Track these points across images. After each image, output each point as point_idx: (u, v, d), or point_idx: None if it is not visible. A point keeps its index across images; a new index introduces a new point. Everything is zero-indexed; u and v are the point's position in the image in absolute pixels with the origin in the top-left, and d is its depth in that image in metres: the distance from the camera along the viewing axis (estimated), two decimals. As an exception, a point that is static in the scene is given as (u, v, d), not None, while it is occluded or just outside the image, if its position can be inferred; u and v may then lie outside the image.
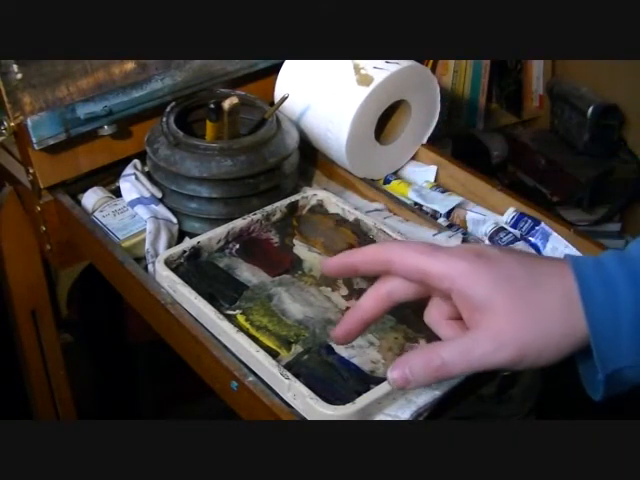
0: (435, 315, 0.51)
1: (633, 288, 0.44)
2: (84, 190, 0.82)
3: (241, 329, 0.64)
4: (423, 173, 0.89)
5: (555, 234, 0.77)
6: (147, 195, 0.78)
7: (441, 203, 0.83)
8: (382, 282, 0.52)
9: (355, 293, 0.69)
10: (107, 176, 0.83)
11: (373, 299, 0.52)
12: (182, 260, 0.71)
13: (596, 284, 0.45)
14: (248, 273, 0.71)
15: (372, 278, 0.70)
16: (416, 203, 0.84)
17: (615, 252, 0.47)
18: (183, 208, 0.77)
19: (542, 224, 0.78)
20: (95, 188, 0.82)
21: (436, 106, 0.88)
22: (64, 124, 0.76)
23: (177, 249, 0.71)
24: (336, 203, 0.78)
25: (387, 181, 0.88)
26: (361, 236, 0.76)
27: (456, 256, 0.47)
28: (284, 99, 0.81)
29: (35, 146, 0.76)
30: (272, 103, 0.86)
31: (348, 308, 0.68)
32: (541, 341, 0.45)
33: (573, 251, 0.75)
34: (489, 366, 0.46)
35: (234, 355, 0.63)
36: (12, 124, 0.75)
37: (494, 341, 0.45)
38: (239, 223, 0.75)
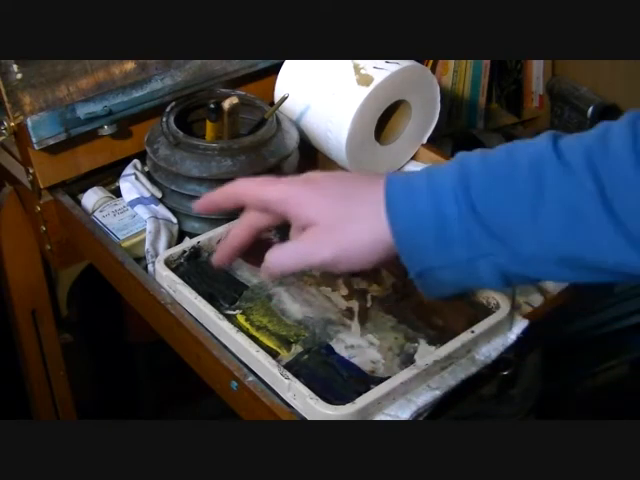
0: (294, 235, 0.59)
1: (432, 199, 0.52)
2: (84, 190, 0.82)
3: (241, 329, 0.64)
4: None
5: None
6: (147, 195, 0.78)
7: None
8: (245, 214, 0.61)
9: (355, 293, 0.69)
10: (107, 176, 0.83)
11: (240, 229, 0.61)
12: (182, 260, 0.71)
13: (400, 196, 0.53)
14: (248, 273, 0.71)
15: (372, 278, 0.70)
16: (416, 203, 0.84)
17: (427, 168, 0.55)
18: (183, 208, 0.78)
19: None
20: (95, 188, 0.82)
21: (436, 106, 0.88)
22: (64, 124, 0.76)
23: (177, 249, 0.71)
24: (336, 203, 0.78)
25: (387, 181, 0.88)
26: (361, 236, 0.76)
27: (287, 184, 0.57)
28: (284, 99, 0.81)
29: (35, 146, 0.76)
30: (272, 103, 0.86)
31: (348, 308, 0.68)
32: (353, 248, 0.54)
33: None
34: (311, 265, 0.57)
35: (234, 355, 0.63)
36: (12, 124, 0.75)
37: (314, 246, 0.55)
38: (239, 223, 0.75)
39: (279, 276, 0.62)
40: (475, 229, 0.51)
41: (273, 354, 0.62)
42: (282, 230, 0.76)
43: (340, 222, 0.54)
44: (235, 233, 0.61)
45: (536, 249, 0.51)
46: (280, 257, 0.57)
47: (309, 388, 0.58)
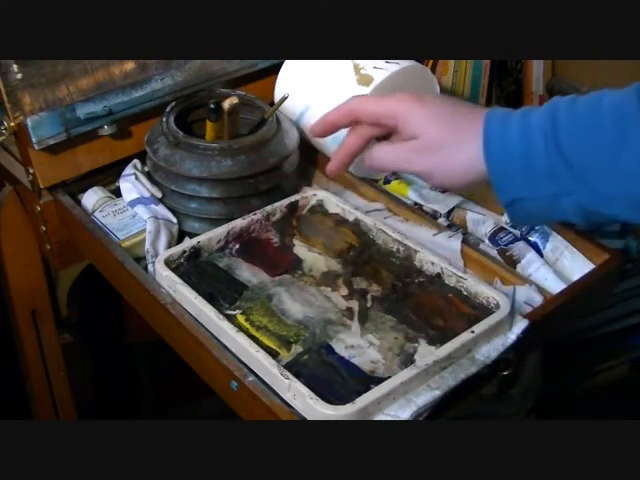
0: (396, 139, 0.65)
1: (524, 134, 0.57)
2: (84, 190, 0.82)
3: (241, 329, 0.64)
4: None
5: (555, 234, 0.77)
6: (147, 195, 0.78)
7: (441, 203, 0.83)
8: (358, 126, 0.67)
9: (355, 293, 0.69)
10: (107, 176, 0.83)
11: (354, 137, 0.67)
12: (182, 260, 0.71)
13: (496, 129, 0.58)
14: (248, 273, 0.71)
15: (371, 279, 0.70)
16: (416, 203, 0.84)
17: (524, 107, 0.59)
18: (183, 208, 0.78)
19: (542, 224, 0.78)
20: (95, 188, 0.82)
21: (436, 106, 0.88)
22: (64, 124, 0.76)
23: (177, 249, 0.71)
24: (336, 203, 0.79)
25: (387, 181, 0.88)
26: (361, 236, 0.76)
27: (399, 100, 0.64)
28: (284, 99, 0.81)
29: (35, 146, 0.76)
30: (272, 103, 0.86)
31: (348, 308, 0.68)
32: (447, 168, 0.61)
33: (574, 251, 0.75)
34: (403, 169, 0.65)
35: (234, 355, 0.63)
36: (12, 124, 0.75)
37: (412, 154, 0.62)
38: (239, 223, 0.75)
39: (379, 170, 0.70)
40: (559, 165, 0.55)
41: (273, 354, 0.62)
42: (282, 230, 0.76)
43: (440, 142, 0.60)
44: (349, 141, 0.67)
45: (614, 190, 0.54)
46: (384, 154, 0.64)
47: (309, 388, 0.58)
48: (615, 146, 0.54)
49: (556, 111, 0.57)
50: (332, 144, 0.84)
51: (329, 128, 0.68)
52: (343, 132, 0.69)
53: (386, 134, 0.66)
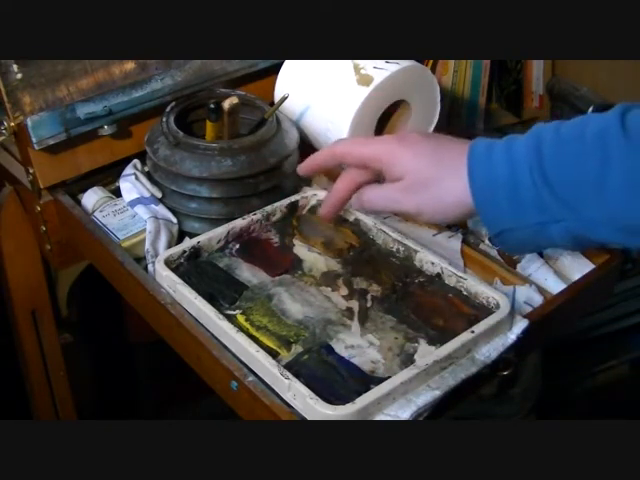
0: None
1: (508, 166, 0.57)
2: (84, 190, 0.82)
3: (241, 329, 0.64)
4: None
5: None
6: (147, 195, 0.78)
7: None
8: (346, 171, 0.67)
9: (355, 293, 0.69)
10: (107, 176, 0.83)
11: (344, 182, 0.67)
12: (182, 260, 0.71)
13: (481, 162, 0.58)
14: (248, 273, 0.71)
15: (371, 279, 0.70)
16: (416, 203, 0.84)
17: (508, 136, 0.59)
18: (183, 208, 0.77)
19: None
20: (95, 188, 0.82)
21: (436, 106, 0.88)
22: (64, 124, 0.76)
23: (177, 249, 0.71)
24: (336, 203, 0.78)
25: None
26: (361, 236, 0.76)
27: (381, 143, 0.64)
28: (284, 99, 0.81)
29: (35, 146, 0.76)
30: (272, 103, 0.86)
31: (348, 308, 0.68)
32: (436, 204, 0.61)
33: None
34: (394, 210, 0.67)
35: (234, 355, 0.63)
36: (12, 124, 0.75)
37: (401, 194, 0.62)
38: (239, 223, 0.75)
39: (368, 212, 0.70)
40: (546, 194, 0.56)
41: (273, 354, 0.62)
42: (282, 230, 0.76)
43: (426, 179, 0.61)
44: (338, 187, 0.67)
45: (601, 216, 0.55)
46: (373, 197, 0.65)
47: (309, 388, 0.58)
48: (600, 172, 0.54)
49: (540, 140, 0.57)
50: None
51: (316, 169, 0.71)
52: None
53: (376, 177, 0.66)
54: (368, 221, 0.76)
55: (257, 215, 0.76)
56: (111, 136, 0.80)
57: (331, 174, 0.88)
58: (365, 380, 0.61)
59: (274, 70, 0.88)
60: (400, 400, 0.59)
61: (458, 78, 1.36)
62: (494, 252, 0.77)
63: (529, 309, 0.69)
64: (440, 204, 0.61)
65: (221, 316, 0.64)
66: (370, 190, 0.65)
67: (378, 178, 0.66)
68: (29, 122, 0.74)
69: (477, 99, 1.40)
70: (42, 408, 1.06)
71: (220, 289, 0.69)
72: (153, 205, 0.78)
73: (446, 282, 0.70)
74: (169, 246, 0.75)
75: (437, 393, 0.59)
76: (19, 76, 0.73)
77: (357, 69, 0.81)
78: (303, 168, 0.70)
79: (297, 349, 0.63)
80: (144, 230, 0.75)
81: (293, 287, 0.70)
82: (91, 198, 0.80)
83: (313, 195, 0.79)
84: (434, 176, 0.60)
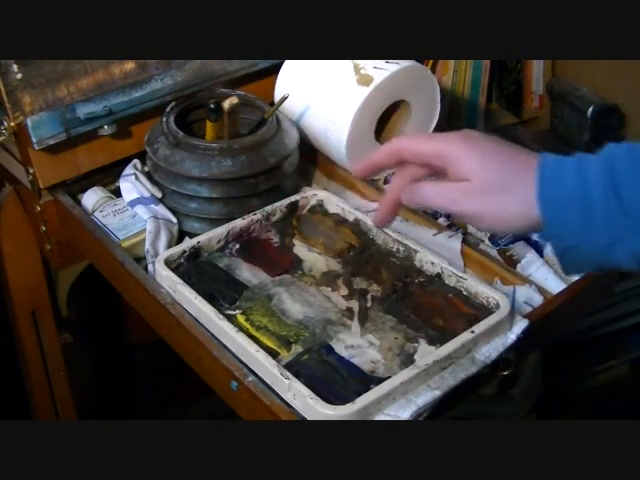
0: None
1: (581, 184, 0.55)
2: (84, 190, 0.82)
3: (241, 329, 0.64)
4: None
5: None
6: (147, 195, 0.78)
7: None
8: (403, 168, 0.63)
9: (355, 293, 0.69)
10: (107, 176, 0.83)
11: (400, 179, 0.62)
12: (182, 260, 0.71)
13: (552, 177, 0.56)
14: (248, 273, 0.71)
15: (371, 279, 0.70)
16: (416, 203, 0.84)
17: (580, 154, 0.57)
18: (183, 208, 0.77)
19: (542, 224, 0.78)
20: (95, 188, 0.82)
21: (436, 106, 0.88)
22: (64, 124, 0.76)
23: (177, 249, 0.71)
24: (336, 203, 0.78)
25: (387, 181, 0.88)
26: (361, 236, 0.76)
27: (449, 140, 0.60)
28: (284, 99, 0.81)
29: (35, 146, 0.76)
30: (272, 103, 0.86)
31: (348, 308, 0.68)
32: (497, 213, 0.58)
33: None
34: (452, 210, 0.60)
35: (234, 355, 0.63)
36: (12, 124, 0.75)
37: (462, 195, 0.58)
38: (239, 223, 0.75)
39: (419, 205, 0.64)
40: (617, 213, 0.54)
41: (273, 354, 0.62)
42: (282, 230, 0.76)
43: (494, 185, 0.58)
44: (395, 186, 0.63)
45: None
46: (429, 191, 0.60)
47: (309, 388, 0.58)
48: None
49: (613, 158, 0.56)
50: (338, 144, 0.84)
51: (374, 169, 0.65)
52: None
53: (431, 175, 0.63)
54: (368, 221, 0.76)
55: (257, 215, 0.76)
56: (111, 136, 0.80)
57: (331, 174, 0.88)
58: (365, 380, 0.61)
59: (274, 70, 0.88)
60: (400, 400, 0.59)
61: (458, 78, 1.36)
62: (494, 252, 0.77)
63: (529, 309, 0.69)
64: (504, 213, 0.58)
65: (221, 316, 0.64)
66: (429, 185, 0.61)
67: (435, 176, 0.63)
68: (29, 122, 0.74)
69: (477, 99, 1.40)
70: (42, 408, 1.06)
71: (220, 289, 0.69)
72: (153, 205, 0.78)
73: (446, 282, 0.70)
74: (169, 246, 0.75)
75: (437, 393, 0.59)
76: (19, 76, 0.73)
77: (357, 69, 0.81)
78: (360, 169, 0.66)
79: (297, 349, 0.63)
80: (144, 230, 0.75)
81: (293, 287, 0.70)
82: (91, 198, 0.80)
83: (313, 195, 0.79)
84: (502, 183, 0.58)
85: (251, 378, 0.61)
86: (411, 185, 0.61)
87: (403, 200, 0.62)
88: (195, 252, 0.72)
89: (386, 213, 0.64)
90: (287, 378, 0.58)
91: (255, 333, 0.65)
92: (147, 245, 0.73)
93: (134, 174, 0.80)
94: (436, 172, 0.62)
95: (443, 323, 0.66)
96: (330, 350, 0.63)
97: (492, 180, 0.58)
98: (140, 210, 0.77)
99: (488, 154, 0.59)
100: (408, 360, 0.62)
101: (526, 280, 0.73)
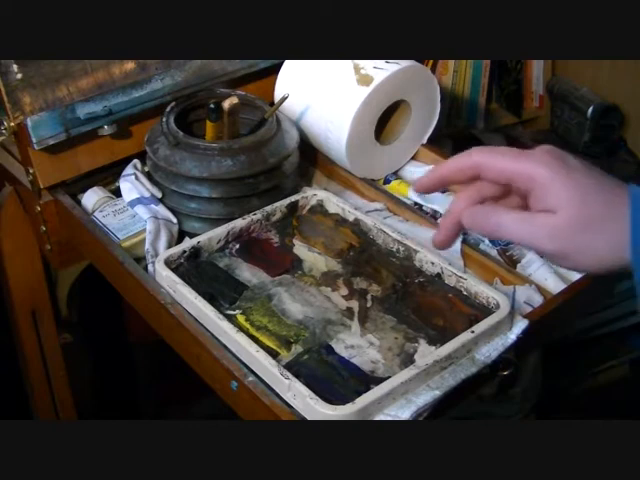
0: (503, 203, 0.56)
1: None
2: (84, 190, 0.82)
3: (241, 329, 0.64)
4: (423, 173, 0.89)
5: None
6: (147, 195, 0.78)
7: (441, 203, 0.83)
8: (468, 186, 0.56)
9: (355, 293, 0.69)
10: (107, 176, 0.83)
11: (463, 200, 0.55)
12: (182, 260, 0.71)
13: None
14: (248, 273, 0.71)
15: (371, 279, 0.70)
16: (416, 203, 0.84)
17: None
18: (183, 208, 0.77)
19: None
20: (95, 188, 0.82)
21: (436, 106, 0.88)
22: (64, 124, 0.76)
23: (177, 249, 0.71)
24: (336, 203, 0.78)
25: (387, 181, 0.88)
26: (361, 236, 0.76)
27: (536, 160, 0.52)
28: (284, 99, 0.81)
29: (35, 146, 0.76)
30: (272, 103, 0.86)
31: (348, 308, 0.68)
32: (585, 252, 0.51)
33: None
34: (531, 246, 0.53)
35: (234, 355, 0.63)
36: (12, 124, 0.75)
37: (548, 231, 0.51)
38: (239, 223, 0.75)
39: (487, 234, 0.58)
40: None
41: (273, 354, 0.62)
42: (282, 230, 0.76)
43: (585, 222, 0.51)
44: (460, 204, 0.55)
45: None
46: (511, 224, 0.53)
47: (309, 388, 0.58)
48: None
49: None
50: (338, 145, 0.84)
51: (441, 185, 0.57)
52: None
53: (504, 194, 0.56)
54: (368, 221, 0.76)
55: (257, 215, 0.76)
56: (111, 136, 0.80)
57: (332, 173, 0.88)
58: (365, 380, 0.61)
59: (274, 70, 0.88)
60: (400, 400, 0.59)
61: (458, 78, 1.36)
62: (494, 252, 0.77)
63: (529, 309, 0.69)
64: (591, 252, 0.52)
65: (221, 316, 0.64)
66: (508, 215, 0.53)
67: (506, 195, 0.56)
68: (29, 122, 0.74)
69: (477, 99, 1.40)
70: (42, 408, 1.06)
71: (220, 289, 0.69)
72: (153, 205, 0.78)
73: (446, 282, 0.70)
74: (169, 246, 0.75)
75: (437, 393, 0.59)
76: (19, 76, 0.73)
77: (357, 69, 0.81)
78: (424, 184, 0.57)
79: (297, 349, 0.63)
80: (144, 230, 0.75)
81: (293, 287, 0.70)
82: (91, 198, 0.80)
83: (313, 195, 0.79)
84: (592, 219, 0.51)
85: (251, 378, 0.61)
86: (482, 210, 0.54)
87: (469, 224, 0.55)
88: (195, 252, 0.72)
89: (449, 235, 0.57)
90: (287, 378, 0.58)
91: (255, 333, 0.65)
92: (147, 245, 0.73)
93: (134, 174, 0.80)
94: (509, 193, 0.55)
95: (443, 323, 0.66)
96: (330, 350, 0.63)
97: (582, 215, 0.51)
98: (140, 210, 0.77)
99: (583, 183, 0.52)
100: (408, 360, 0.62)
101: (526, 280, 0.73)
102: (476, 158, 0.54)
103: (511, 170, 0.53)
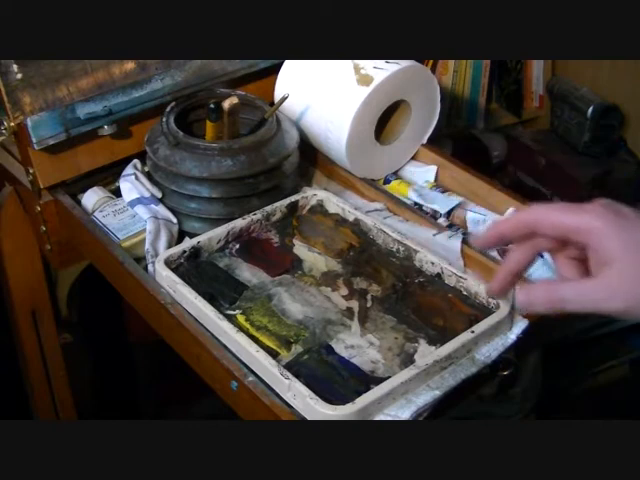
0: (560, 254, 0.57)
1: None
2: (84, 190, 0.82)
3: (241, 329, 0.64)
4: (423, 173, 0.89)
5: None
6: (147, 195, 0.78)
7: (441, 203, 0.83)
8: (530, 241, 0.57)
9: (355, 293, 0.69)
10: (107, 176, 0.83)
11: (520, 252, 0.57)
12: (182, 260, 0.71)
13: None
14: (248, 273, 0.71)
15: (371, 279, 0.70)
16: (416, 203, 0.84)
17: None
18: (183, 208, 0.77)
19: (542, 224, 0.78)
20: (95, 188, 0.82)
21: (436, 106, 0.88)
22: (64, 124, 0.76)
23: (177, 249, 0.71)
24: (336, 203, 0.78)
25: (387, 181, 0.88)
26: (361, 236, 0.76)
27: (592, 213, 0.53)
28: (284, 99, 0.81)
29: (35, 146, 0.76)
30: (272, 103, 0.86)
31: (348, 308, 0.68)
32: None
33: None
34: (598, 311, 0.52)
35: (234, 355, 0.63)
36: (12, 124, 0.75)
37: (607, 292, 0.51)
38: (239, 223, 0.75)
39: (553, 310, 0.55)
40: None
41: (273, 354, 0.62)
42: (282, 230, 0.76)
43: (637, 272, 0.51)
44: (516, 258, 0.57)
45: None
46: (572, 294, 0.53)
47: (309, 388, 0.58)
48: None
49: None
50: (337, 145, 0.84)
51: (499, 242, 0.58)
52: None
53: (561, 248, 0.57)
54: (368, 221, 0.76)
55: (257, 215, 0.76)
56: (111, 136, 0.80)
57: (332, 173, 0.88)
58: (365, 380, 0.61)
59: (274, 70, 0.88)
60: (400, 400, 0.59)
61: (458, 78, 1.36)
62: (494, 252, 0.77)
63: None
64: None
65: (221, 316, 0.64)
66: (567, 287, 0.53)
67: (563, 248, 0.56)
68: (29, 122, 0.74)
69: (477, 99, 1.41)
70: (42, 408, 1.06)
71: (220, 289, 0.69)
72: (153, 205, 0.78)
73: (446, 282, 0.70)
74: (169, 246, 0.75)
75: (437, 393, 0.59)
76: (19, 76, 0.73)
77: (357, 69, 0.81)
78: (484, 242, 0.58)
79: (297, 349, 0.63)
80: (144, 230, 0.75)
81: (293, 287, 0.70)
82: (91, 198, 0.80)
83: (313, 195, 0.79)
84: None
85: (251, 378, 0.61)
86: (540, 288, 0.54)
87: (528, 304, 0.55)
88: (195, 252, 0.72)
89: (505, 285, 0.58)
90: (287, 378, 0.58)
91: (255, 333, 0.65)
92: (147, 245, 0.73)
93: (134, 174, 0.80)
94: (561, 245, 0.56)
95: (443, 323, 0.66)
96: (330, 350, 0.63)
97: (636, 266, 0.51)
98: (140, 210, 0.77)
99: (632, 232, 0.52)
100: (408, 360, 0.62)
101: (526, 280, 0.73)
102: (535, 215, 0.55)
103: (567, 224, 0.53)
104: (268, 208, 0.76)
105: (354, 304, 0.68)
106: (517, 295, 0.55)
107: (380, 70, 0.80)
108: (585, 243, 0.53)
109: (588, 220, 0.53)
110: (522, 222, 0.55)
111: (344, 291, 0.70)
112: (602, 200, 0.54)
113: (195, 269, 0.71)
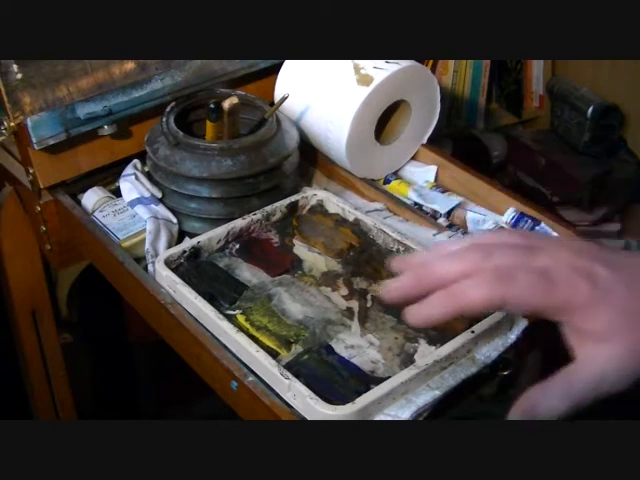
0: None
1: None
2: (84, 190, 0.82)
3: (241, 329, 0.64)
4: (423, 173, 0.89)
5: (555, 234, 0.77)
6: (147, 195, 0.78)
7: (441, 203, 0.83)
8: None
9: (355, 293, 0.69)
10: (107, 176, 0.83)
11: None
12: (182, 260, 0.71)
13: None
14: (248, 273, 0.71)
15: (371, 279, 0.70)
16: (416, 203, 0.84)
17: None
18: (183, 208, 0.77)
19: (542, 224, 0.78)
20: (95, 188, 0.82)
21: (436, 106, 0.88)
22: (64, 124, 0.76)
23: (177, 249, 0.71)
24: (336, 203, 0.78)
25: (387, 181, 0.88)
26: (361, 236, 0.76)
27: (572, 290, 0.47)
28: (284, 99, 0.81)
29: (35, 146, 0.76)
30: (272, 103, 0.86)
31: (348, 308, 0.68)
32: None
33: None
34: (598, 397, 0.48)
35: (234, 355, 0.63)
36: (12, 124, 0.75)
37: (617, 371, 0.48)
38: (239, 223, 0.75)
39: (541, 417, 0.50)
40: None
41: (273, 354, 0.62)
42: (282, 230, 0.76)
43: (631, 349, 0.47)
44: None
45: None
46: (584, 390, 0.48)
47: (309, 388, 0.58)
48: None
49: None
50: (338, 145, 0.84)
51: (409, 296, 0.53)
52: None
53: None
54: (368, 221, 0.76)
55: (257, 215, 0.76)
56: (111, 136, 0.80)
57: (332, 173, 0.88)
58: (365, 380, 0.61)
59: (274, 70, 0.88)
60: (400, 400, 0.59)
61: (458, 78, 1.36)
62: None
63: (529, 309, 0.69)
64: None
65: (221, 316, 0.64)
66: (579, 383, 0.50)
67: None
68: (29, 122, 0.74)
69: (477, 99, 1.41)
70: (42, 408, 1.06)
71: (220, 289, 0.69)
72: (153, 205, 0.78)
73: (446, 282, 0.70)
74: (169, 246, 0.75)
75: (437, 393, 0.59)
76: (19, 76, 0.73)
77: (357, 69, 0.81)
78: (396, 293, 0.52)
79: (297, 349, 0.63)
80: (144, 230, 0.75)
81: (293, 287, 0.70)
82: (91, 198, 0.80)
83: (313, 195, 0.79)
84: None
85: (251, 378, 0.61)
86: (549, 393, 0.50)
87: (521, 414, 0.50)
88: (195, 252, 0.72)
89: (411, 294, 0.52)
90: (287, 378, 0.58)
91: (255, 333, 0.65)
92: (147, 245, 0.73)
93: (134, 174, 0.80)
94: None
95: (443, 323, 0.66)
96: (330, 350, 0.63)
97: (635, 337, 0.47)
98: (140, 210, 0.77)
99: (622, 300, 0.47)
100: (408, 360, 0.62)
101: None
102: (502, 296, 0.48)
103: (545, 301, 0.48)
104: (268, 208, 0.76)
105: (354, 304, 0.68)
106: (524, 408, 0.50)
107: (380, 70, 0.80)
108: (565, 321, 0.49)
109: (566, 295, 0.47)
110: (489, 303, 0.48)
111: (344, 291, 0.70)
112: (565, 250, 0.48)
113: (195, 269, 0.71)
